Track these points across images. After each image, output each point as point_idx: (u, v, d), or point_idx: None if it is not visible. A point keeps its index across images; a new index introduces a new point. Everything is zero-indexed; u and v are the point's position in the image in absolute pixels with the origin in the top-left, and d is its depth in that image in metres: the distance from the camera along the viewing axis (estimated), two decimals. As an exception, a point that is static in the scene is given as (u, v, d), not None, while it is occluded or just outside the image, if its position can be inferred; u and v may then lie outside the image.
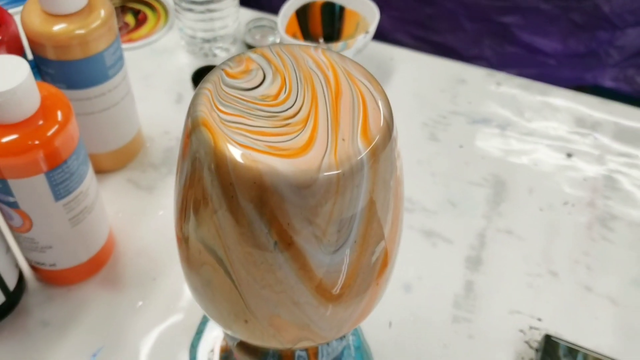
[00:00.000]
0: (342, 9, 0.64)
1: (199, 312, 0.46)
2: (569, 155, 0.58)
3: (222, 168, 0.25)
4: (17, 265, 0.45)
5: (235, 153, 0.24)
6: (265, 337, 0.30)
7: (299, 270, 0.27)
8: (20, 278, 0.46)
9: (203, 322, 0.46)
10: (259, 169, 0.24)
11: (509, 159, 0.58)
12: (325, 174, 0.24)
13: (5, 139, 0.37)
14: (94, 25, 0.45)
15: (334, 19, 0.64)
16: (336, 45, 0.57)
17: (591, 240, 0.52)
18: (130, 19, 0.69)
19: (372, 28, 0.60)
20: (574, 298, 0.48)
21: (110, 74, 0.48)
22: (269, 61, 0.28)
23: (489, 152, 0.58)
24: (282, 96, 0.27)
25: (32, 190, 0.39)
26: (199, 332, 0.46)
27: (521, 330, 0.46)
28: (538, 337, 0.46)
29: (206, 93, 0.27)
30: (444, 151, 0.58)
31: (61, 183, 0.40)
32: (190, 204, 0.27)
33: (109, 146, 0.53)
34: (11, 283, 0.44)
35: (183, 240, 0.29)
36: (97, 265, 0.48)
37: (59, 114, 0.39)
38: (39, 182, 0.39)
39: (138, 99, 0.56)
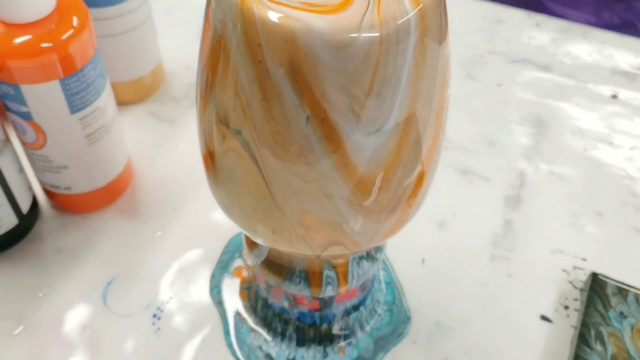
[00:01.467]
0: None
1: (220, 242, 0.44)
2: (614, 96, 0.55)
3: (249, 26, 0.22)
4: (30, 189, 0.43)
5: (264, 9, 0.21)
6: (294, 240, 0.28)
7: (333, 155, 0.24)
8: (34, 204, 0.44)
9: (225, 253, 0.44)
10: (290, 25, 0.21)
11: (550, 99, 0.54)
12: (367, 34, 0.21)
13: (17, 40, 0.35)
14: None
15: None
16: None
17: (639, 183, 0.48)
18: (153, -44, 0.67)
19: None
20: (621, 239, 0.45)
21: (130, -7, 0.46)
22: None
23: (529, 91, 0.55)
24: (318, -42, 0.24)
25: (46, 99, 0.37)
26: (221, 263, 0.43)
27: (564, 270, 0.43)
28: (583, 277, 0.42)
29: (232, -47, 0.24)
30: (481, 90, 0.55)
31: (77, 93, 0.38)
32: (215, 80, 0.25)
33: (128, 75, 0.51)
34: (24, 206, 0.42)
35: (206, 127, 0.27)
36: (114, 193, 0.45)
37: (75, 19, 0.37)
38: (53, 89, 0.37)
39: (160, 35, 0.54)
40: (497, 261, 0.44)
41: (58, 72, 0.36)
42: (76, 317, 0.40)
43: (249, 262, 0.35)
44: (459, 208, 0.46)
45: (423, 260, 0.44)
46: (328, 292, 0.34)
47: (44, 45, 0.35)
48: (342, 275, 0.34)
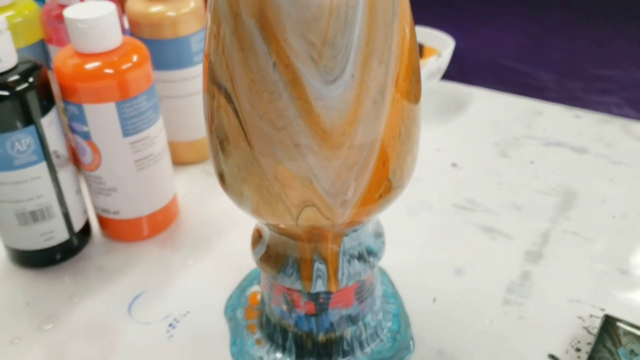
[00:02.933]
0: (421, 45, 0.68)
1: (243, 272, 0.47)
2: (651, 175, 0.55)
3: (231, -12, 0.27)
4: (85, 212, 0.49)
5: (243, -26, 0.27)
6: (273, 200, 0.31)
7: (298, 100, 0.28)
8: (88, 229, 0.50)
9: (245, 280, 0.46)
10: (260, -17, 0.27)
11: (582, 174, 0.55)
12: (321, -10, 0.26)
13: (87, 66, 0.43)
14: (184, 10, 0.52)
15: (413, 55, 0.68)
16: (408, 63, 0.60)
17: (671, 247, 0.47)
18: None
19: (446, 53, 0.62)
20: (646, 296, 0.43)
21: (195, 60, 0.54)
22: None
23: (561, 168, 0.56)
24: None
25: (103, 119, 0.44)
26: (239, 287, 0.46)
27: (580, 317, 0.42)
28: (599, 324, 0.41)
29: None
30: (513, 165, 0.57)
31: (130, 118, 0.44)
32: (210, 48, 0.30)
33: (188, 135, 0.58)
34: (77, 224, 0.48)
35: (207, 98, 0.31)
36: (158, 225, 0.50)
37: (135, 57, 0.44)
38: (110, 111, 0.44)
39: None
40: (509, 305, 0.43)
41: (115, 96, 0.43)
42: (101, 320, 0.44)
43: (253, 259, 0.38)
44: (477, 259, 0.47)
45: (434, 299, 0.44)
46: (319, 286, 0.36)
47: (107, 71, 0.43)
48: (333, 271, 0.36)
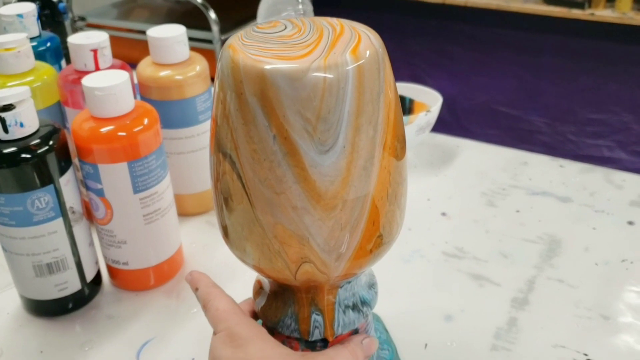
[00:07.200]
0: (411, 101, 0.72)
1: (244, 319, 0.50)
2: (631, 223, 0.58)
3: (235, 69, 0.31)
4: (96, 263, 0.52)
5: (246, 58, 0.31)
6: (273, 256, 0.34)
7: (295, 168, 0.31)
8: (99, 279, 0.52)
9: (246, 327, 0.49)
10: (262, 66, 0.30)
11: (567, 223, 0.58)
12: (314, 73, 0.30)
13: (103, 129, 0.46)
14: (190, 74, 0.56)
15: (404, 110, 0.72)
16: (400, 119, 0.64)
17: (649, 293, 0.50)
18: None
19: (435, 108, 0.66)
20: (626, 340, 0.46)
21: (200, 119, 0.58)
22: (292, 22, 0.36)
23: (546, 216, 0.59)
24: (295, 36, 0.33)
25: (116, 178, 0.47)
26: (241, 335, 0.48)
27: (563, 361, 0.44)
28: (580, 367, 0.44)
29: (237, 34, 0.34)
30: (500, 214, 0.60)
31: (140, 176, 0.48)
32: (216, 120, 0.34)
33: (193, 188, 0.61)
34: (89, 274, 0.51)
35: (213, 160, 0.35)
36: (165, 275, 0.53)
37: (146, 120, 0.48)
38: (122, 170, 0.47)
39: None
40: (497, 350, 0.46)
41: (127, 156, 0.47)
42: (111, 367, 0.46)
43: (254, 309, 0.41)
44: (466, 305, 0.50)
45: (426, 345, 0.47)
46: (316, 335, 0.39)
47: (120, 134, 0.46)
48: (329, 322, 0.39)
